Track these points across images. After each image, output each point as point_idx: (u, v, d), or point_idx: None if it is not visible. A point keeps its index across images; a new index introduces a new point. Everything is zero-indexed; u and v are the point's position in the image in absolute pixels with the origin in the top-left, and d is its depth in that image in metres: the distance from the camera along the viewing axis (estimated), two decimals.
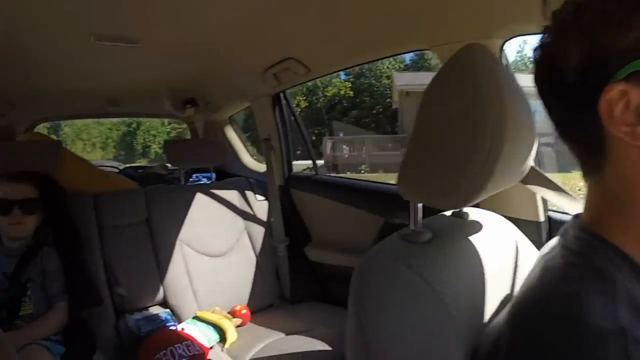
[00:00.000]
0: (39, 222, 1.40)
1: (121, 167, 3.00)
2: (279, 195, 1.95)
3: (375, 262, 0.53)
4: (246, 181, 2.01)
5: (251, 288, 1.78)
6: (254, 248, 1.86)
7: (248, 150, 2.58)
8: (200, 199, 1.83)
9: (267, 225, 1.92)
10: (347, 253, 1.69)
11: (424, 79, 10.89)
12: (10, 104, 2.04)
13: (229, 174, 2.36)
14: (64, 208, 1.51)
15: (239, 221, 1.88)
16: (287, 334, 1.52)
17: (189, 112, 2.37)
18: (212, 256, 1.76)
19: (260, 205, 1.95)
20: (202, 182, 2.37)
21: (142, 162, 12.61)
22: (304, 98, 17.44)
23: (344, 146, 13.43)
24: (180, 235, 1.71)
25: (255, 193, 1.96)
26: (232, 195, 1.91)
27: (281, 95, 1.94)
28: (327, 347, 1.37)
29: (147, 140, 15.26)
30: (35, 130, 2.55)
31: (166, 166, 2.67)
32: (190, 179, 2.52)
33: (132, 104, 2.46)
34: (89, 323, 1.44)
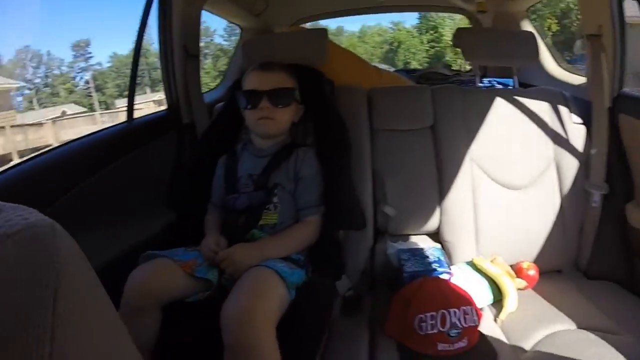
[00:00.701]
0: (295, 117, 1.19)
1: (392, 69, 2.61)
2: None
3: None
4: (560, 94, 1.43)
5: (544, 241, 1.32)
6: (560, 188, 1.34)
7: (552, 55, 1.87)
8: (500, 108, 1.39)
9: (583, 159, 1.35)
10: None
11: None
12: (264, 1, 1.94)
13: (525, 85, 1.76)
14: (328, 101, 1.26)
15: (549, 147, 1.36)
16: (579, 326, 1.07)
17: None
18: (507, 187, 1.34)
19: (576, 131, 1.36)
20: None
21: None
22: (556, 22, 14.99)
23: None
24: (470, 153, 1.34)
25: (571, 112, 1.38)
26: (542, 110, 1.38)
27: None
28: None
29: (407, 57, 16.04)
30: None
31: (449, 66, 2.12)
32: (480, 84, 1.93)
33: None
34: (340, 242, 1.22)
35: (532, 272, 1.25)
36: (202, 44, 1.57)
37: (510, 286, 1.15)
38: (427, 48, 15.31)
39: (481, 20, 2.19)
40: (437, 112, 1.38)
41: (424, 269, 1.16)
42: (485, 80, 1.97)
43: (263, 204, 1.08)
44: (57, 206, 1.04)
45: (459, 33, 1.54)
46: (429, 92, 1.40)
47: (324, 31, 1.38)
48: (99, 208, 1.15)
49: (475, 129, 1.35)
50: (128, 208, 1.24)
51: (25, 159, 1.08)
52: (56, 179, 1.07)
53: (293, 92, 1.16)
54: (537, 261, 1.31)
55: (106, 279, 1.13)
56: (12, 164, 1.07)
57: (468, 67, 2.37)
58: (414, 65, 14.96)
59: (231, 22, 2.10)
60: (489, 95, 1.40)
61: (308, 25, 2.61)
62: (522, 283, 1.23)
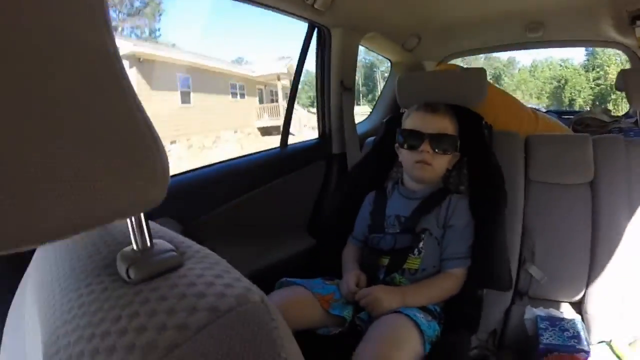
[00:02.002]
0: (451, 164, 1.15)
1: (544, 110, 2.46)
2: None
3: None
4: None
5: None
6: None
7: None
8: None
9: None
10: None
11: None
12: (417, 37, 1.91)
13: None
14: (487, 149, 1.20)
15: None
16: None
17: None
18: None
19: None
20: None
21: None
22: None
23: None
24: (631, 216, 1.20)
25: None
26: None
27: None
28: None
29: (573, 94, 16.26)
30: None
31: (609, 111, 1.90)
32: (630, 133, 1.75)
33: (557, 29, 1.95)
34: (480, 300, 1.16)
35: None
36: None
37: None
38: (593, 86, 15.44)
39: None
40: (597, 166, 1.25)
41: (561, 343, 1.08)
42: None
43: (408, 248, 1.06)
44: (204, 221, 1.14)
45: (622, 74, 1.37)
46: (590, 143, 1.28)
47: (482, 70, 1.32)
48: (244, 227, 1.23)
49: (638, 189, 1.22)
50: (270, 231, 1.31)
51: (189, 169, 1.21)
52: (211, 194, 1.17)
53: (455, 140, 1.12)
54: None
55: None
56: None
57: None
58: (579, 102, 15.35)
59: (382, 56, 2.15)
60: None
61: (458, 61, 2.60)
62: None
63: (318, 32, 1.49)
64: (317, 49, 1.51)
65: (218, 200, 1.19)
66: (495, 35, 2.15)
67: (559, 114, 2.31)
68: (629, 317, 1.17)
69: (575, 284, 1.23)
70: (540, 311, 1.21)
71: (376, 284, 1.03)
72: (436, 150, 1.08)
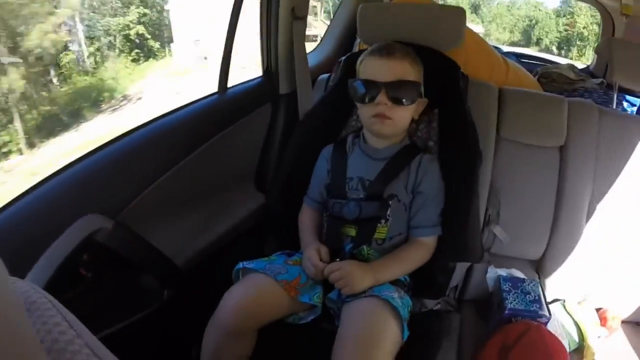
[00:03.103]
0: (416, 114, 1.01)
1: (502, 51, 2.35)
2: None
3: None
4: None
5: (637, 292, 1.22)
6: None
7: None
8: (636, 139, 1.23)
9: None
10: None
11: None
12: None
13: None
14: (463, 103, 1.07)
15: None
16: None
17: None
18: (622, 229, 1.22)
19: None
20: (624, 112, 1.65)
21: (533, 49, 15.84)
22: None
23: None
24: (594, 184, 1.22)
25: None
26: None
27: None
28: None
29: (541, 34, 18.04)
30: None
31: (575, 68, 1.86)
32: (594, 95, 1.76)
33: None
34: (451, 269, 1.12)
35: (615, 322, 1.20)
36: None
37: (591, 333, 1.13)
38: (560, 30, 17.47)
39: (616, 21, 1.92)
40: (570, 131, 1.22)
41: (524, 307, 1.08)
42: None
43: (376, 218, 0.95)
44: (138, 204, 0.97)
45: (608, 42, 1.32)
46: (565, 106, 1.23)
47: (462, 10, 1.17)
48: (187, 193, 1.09)
49: (603, 159, 1.21)
50: (215, 194, 1.17)
51: (106, 141, 0.99)
52: (139, 170, 0.99)
53: (418, 87, 0.98)
54: (624, 309, 1.23)
55: (195, 271, 1.09)
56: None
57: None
58: (546, 42, 17.12)
59: None
60: (627, 123, 1.24)
61: None
62: (604, 332, 1.18)
63: None
64: None
65: (149, 174, 1.00)
66: None
67: (518, 56, 2.27)
68: (581, 278, 1.22)
69: (536, 244, 1.24)
70: (502, 271, 1.20)
71: (341, 256, 0.93)
72: (395, 101, 0.94)
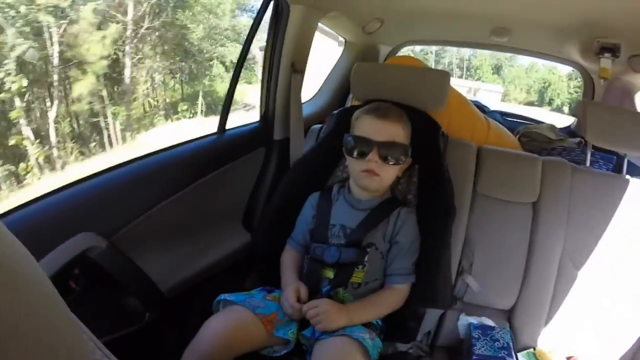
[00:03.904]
0: (400, 172, 1.09)
1: (489, 109, 2.44)
2: None
3: None
4: None
5: (606, 342, 1.23)
6: None
7: None
8: (608, 196, 1.28)
9: None
10: None
11: None
12: (380, 21, 1.83)
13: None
14: (441, 161, 1.15)
15: None
16: None
17: (605, 64, 1.65)
18: (587, 281, 1.27)
19: None
20: (602, 170, 1.70)
21: (546, 109, 16.08)
22: None
23: None
24: (565, 240, 1.25)
25: None
26: None
27: None
28: None
29: (553, 95, 18.28)
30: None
31: (555, 128, 1.97)
32: (572, 153, 1.83)
33: (523, 37, 1.96)
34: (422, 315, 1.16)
35: None
36: None
37: None
38: (571, 92, 17.79)
39: (596, 84, 2.04)
40: (543, 188, 1.28)
41: (492, 354, 1.12)
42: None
43: (354, 263, 1.01)
44: (132, 228, 1.03)
45: (583, 105, 1.38)
46: (539, 165, 1.30)
47: (446, 73, 1.26)
48: (179, 224, 1.14)
49: (576, 215, 1.26)
50: (204, 229, 1.22)
51: (113, 165, 1.08)
52: (137, 196, 1.06)
53: (406, 149, 1.05)
54: (594, 356, 1.25)
55: (178, 299, 1.13)
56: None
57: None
58: (557, 102, 17.43)
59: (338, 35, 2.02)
60: (598, 180, 1.30)
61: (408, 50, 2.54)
62: None
63: (275, 6, 1.33)
64: (271, 23, 1.35)
65: (146, 202, 1.07)
66: (460, 32, 2.11)
67: (503, 115, 2.37)
68: (551, 328, 1.25)
69: (507, 294, 1.27)
70: (474, 319, 1.24)
71: (318, 296, 0.98)
72: (385, 160, 1.01)
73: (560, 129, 2.08)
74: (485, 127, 1.50)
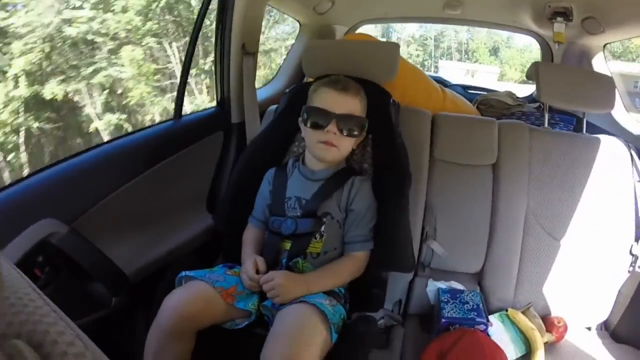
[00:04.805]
0: (356, 144, 1.11)
1: (450, 83, 2.46)
2: None
3: None
4: (627, 148, 1.35)
5: (580, 297, 1.28)
6: (608, 246, 1.28)
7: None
8: (564, 154, 1.32)
9: (637, 221, 1.30)
10: None
11: None
12: (331, 0, 1.85)
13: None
14: (393, 129, 1.17)
15: (605, 202, 1.30)
16: None
17: (558, 28, 1.68)
18: (555, 238, 1.29)
19: (637, 190, 1.31)
20: (559, 130, 1.73)
21: None
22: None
23: None
24: (528, 198, 1.29)
25: (635, 169, 1.32)
26: (605, 162, 1.31)
27: None
28: None
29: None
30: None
31: (513, 94, 2.00)
32: (532, 117, 1.88)
33: (476, 9, 1.98)
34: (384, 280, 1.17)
35: (562, 328, 1.23)
36: None
37: (540, 342, 1.15)
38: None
39: (553, 50, 2.06)
40: (501, 150, 1.30)
41: (462, 316, 1.13)
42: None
43: (310, 233, 1.02)
44: (93, 213, 1.03)
45: (534, 66, 1.39)
46: (496, 128, 1.32)
47: (396, 45, 1.29)
48: (141, 209, 1.14)
49: (536, 174, 1.29)
50: (167, 212, 1.23)
51: (71, 154, 1.08)
52: (97, 182, 1.06)
53: (363, 122, 1.07)
54: (568, 315, 1.27)
55: (144, 282, 1.14)
56: None
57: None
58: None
59: (290, 17, 2.03)
60: (555, 139, 1.33)
61: (367, 27, 2.53)
62: (550, 338, 1.21)
63: None
64: (219, 6, 1.35)
65: (105, 187, 1.07)
66: (413, 7, 2.12)
67: (465, 88, 2.39)
68: (522, 288, 1.28)
69: (474, 258, 1.29)
70: (442, 284, 1.26)
71: (278, 268, 0.99)
72: (343, 132, 1.03)
73: (524, 97, 2.11)
74: (440, 96, 1.53)
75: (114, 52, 3.95)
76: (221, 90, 1.44)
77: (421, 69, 1.78)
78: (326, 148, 1.03)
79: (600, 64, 1.87)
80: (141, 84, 4.14)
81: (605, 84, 1.34)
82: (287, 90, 1.29)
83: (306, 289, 0.94)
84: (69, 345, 0.33)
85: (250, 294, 0.96)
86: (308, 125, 1.05)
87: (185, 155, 1.28)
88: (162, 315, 0.86)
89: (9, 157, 3.29)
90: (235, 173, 1.20)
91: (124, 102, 4.15)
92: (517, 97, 1.94)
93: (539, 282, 1.27)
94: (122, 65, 3.96)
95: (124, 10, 4.08)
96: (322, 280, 0.98)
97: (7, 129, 3.29)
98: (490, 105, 1.78)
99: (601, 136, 1.35)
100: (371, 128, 1.12)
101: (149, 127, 1.28)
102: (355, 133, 1.05)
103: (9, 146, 3.30)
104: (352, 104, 1.05)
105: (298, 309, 0.87)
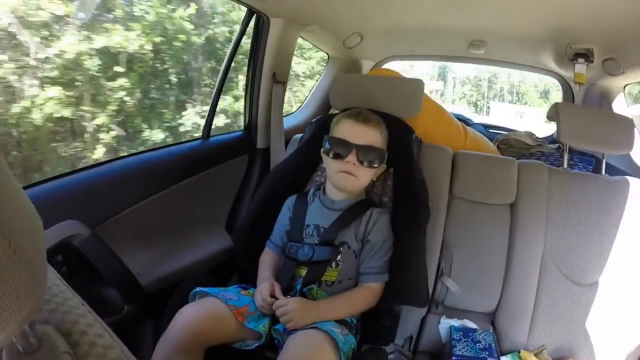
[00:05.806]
0: (375, 176, 1.13)
1: (472, 122, 2.51)
2: None
3: None
4: None
5: (596, 342, 1.22)
6: (628, 289, 1.23)
7: None
8: (585, 195, 1.29)
9: None
10: None
11: None
12: (360, 36, 1.91)
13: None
14: (414, 164, 1.19)
15: (623, 242, 1.26)
16: None
17: (580, 69, 1.68)
18: (575, 282, 1.25)
19: None
20: (581, 171, 1.68)
21: None
22: None
23: None
24: (545, 240, 1.26)
25: None
26: (628, 204, 1.28)
27: None
28: None
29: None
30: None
31: (533, 135, 2.00)
32: (551, 158, 1.87)
33: (499, 49, 2.01)
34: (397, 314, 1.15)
35: None
36: None
37: None
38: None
39: (574, 91, 2.08)
40: (520, 189, 1.30)
41: (473, 355, 1.11)
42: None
43: (326, 261, 1.03)
44: (116, 220, 1.06)
45: (555, 107, 1.39)
46: (515, 167, 1.32)
47: (421, 82, 1.31)
48: (162, 222, 1.17)
49: (555, 215, 1.27)
50: (187, 228, 1.25)
51: (101, 161, 1.13)
52: (123, 191, 1.10)
53: (383, 154, 1.09)
54: (582, 357, 1.23)
55: (157, 294, 1.14)
56: None
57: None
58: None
59: (319, 50, 2.12)
60: (574, 180, 1.31)
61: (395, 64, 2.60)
62: None
63: (256, 19, 1.41)
64: (253, 36, 1.42)
65: (131, 197, 1.11)
66: (439, 46, 2.17)
67: (486, 127, 2.42)
68: (537, 328, 1.24)
69: (489, 297, 1.27)
70: (455, 321, 1.24)
71: (292, 294, 1.00)
72: (362, 163, 1.05)
73: (544, 137, 2.11)
74: (462, 134, 1.54)
75: None
76: (249, 115, 1.49)
77: (474, 109, 1.81)
78: (346, 177, 1.05)
79: (621, 105, 1.87)
80: None
81: (625, 125, 1.33)
82: (313, 120, 1.32)
83: (318, 315, 0.94)
84: (97, 336, 0.34)
85: (261, 315, 0.96)
86: (329, 155, 1.07)
87: (210, 175, 1.32)
88: (173, 328, 0.87)
89: None
90: (257, 197, 1.22)
91: None
92: (537, 138, 1.94)
93: (554, 324, 1.23)
94: None
95: None
96: (335, 309, 0.98)
97: None
98: (510, 145, 1.80)
99: (621, 177, 1.33)
100: (393, 162, 1.13)
101: (178, 143, 1.34)
102: (375, 164, 1.07)
103: None
104: (372, 136, 1.07)
105: (310, 335, 0.88)
